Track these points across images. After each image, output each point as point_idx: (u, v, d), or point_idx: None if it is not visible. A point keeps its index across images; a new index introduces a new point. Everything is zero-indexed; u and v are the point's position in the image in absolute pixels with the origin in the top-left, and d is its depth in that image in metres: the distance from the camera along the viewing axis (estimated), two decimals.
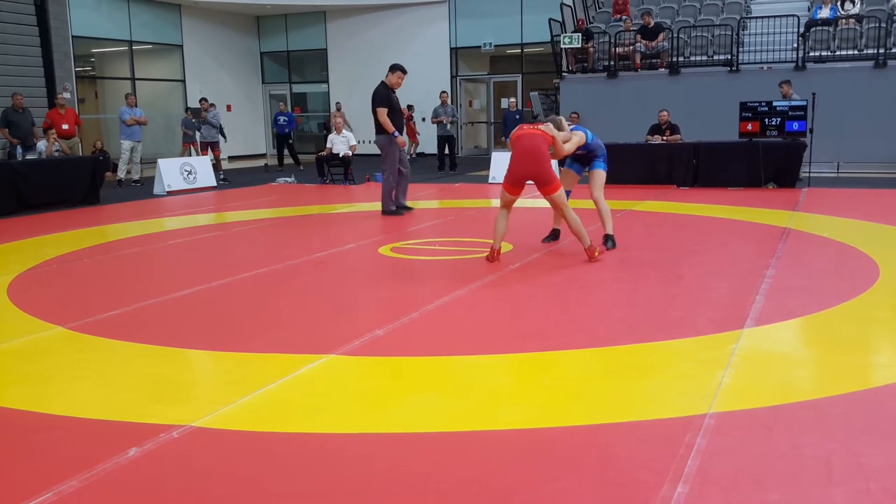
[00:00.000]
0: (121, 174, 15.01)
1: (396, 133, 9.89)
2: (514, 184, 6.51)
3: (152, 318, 5.23)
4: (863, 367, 4.04)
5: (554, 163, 6.84)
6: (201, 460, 3.04)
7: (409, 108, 18.65)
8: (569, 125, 7.07)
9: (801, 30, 15.41)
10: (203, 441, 3.21)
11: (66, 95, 14.67)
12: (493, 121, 22.36)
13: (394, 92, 9.94)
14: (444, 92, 18.20)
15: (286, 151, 19.13)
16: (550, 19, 17.28)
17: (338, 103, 20.52)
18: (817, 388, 3.72)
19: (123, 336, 4.73)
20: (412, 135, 20.03)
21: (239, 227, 9.45)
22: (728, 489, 2.73)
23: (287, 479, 2.87)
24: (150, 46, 21.30)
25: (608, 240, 7.18)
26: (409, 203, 10.45)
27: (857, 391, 3.62)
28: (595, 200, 7.19)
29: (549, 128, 6.60)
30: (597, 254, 6.59)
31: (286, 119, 18.81)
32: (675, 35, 16.29)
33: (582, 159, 7.41)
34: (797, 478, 2.80)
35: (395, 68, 9.96)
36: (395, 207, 10.15)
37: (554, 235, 7.60)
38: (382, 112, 9.77)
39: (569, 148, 6.85)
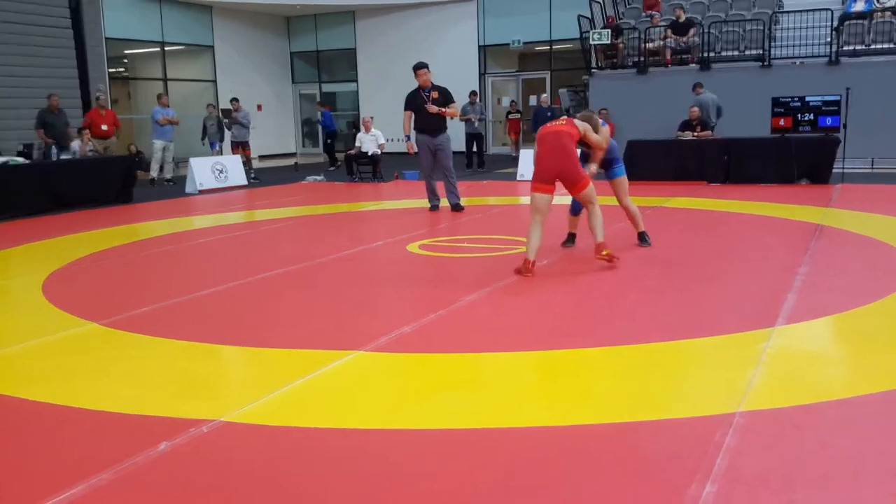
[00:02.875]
0: (153, 173, 15.18)
1: (407, 137, 10.05)
2: (543, 181, 6.16)
3: (182, 315, 5.30)
4: (894, 367, 3.97)
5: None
6: (230, 455, 3.07)
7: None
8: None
9: (835, 23, 15.17)
10: (232, 436, 3.25)
11: (103, 97, 14.89)
12: (525, 118, 22.28)
13: (425, 90, 9.82)
14: (473, 92, 18.20)
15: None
16: (580, 16, 17.20)
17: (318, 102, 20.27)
18: (848, 387, 3.67)
19: (155, 332, 4.80)
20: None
21: (268, 226, 9.53)
22: (756, 488, 2.70)
23: (314, 474, 2.90)
24: (181, 47, 21.53)
25: (643, 237, 7.19)
26: (460, 202, 10.19)
27: (889, 391, 3.56)
28: (626, 208, 7.15)
29: (578, 122, 6.38)
30: (605, 252, 6.21)
31: (327, 118, 18.99)
32: (706, 30, 16.12)
33: (601, 162, 7.05)
34: (826, 478, 2.76)
35: (414, 69, 9.98)
36: (436, 203, 10.21)
37: (570, 239, 7.31)
38: (404, 115, 9.96)
39: (603, 145, 6.65)
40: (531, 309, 5.27)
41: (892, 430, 3.13)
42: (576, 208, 7.09)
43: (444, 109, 9.75)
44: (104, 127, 13.90)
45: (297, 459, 3.02)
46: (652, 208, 9.61)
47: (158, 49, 20.69)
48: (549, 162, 6.12)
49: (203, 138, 16.58)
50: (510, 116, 19.89)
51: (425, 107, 9.68)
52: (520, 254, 6.84)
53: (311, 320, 5.11)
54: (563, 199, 6.68)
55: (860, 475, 2.77)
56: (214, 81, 22.03)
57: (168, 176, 15.37)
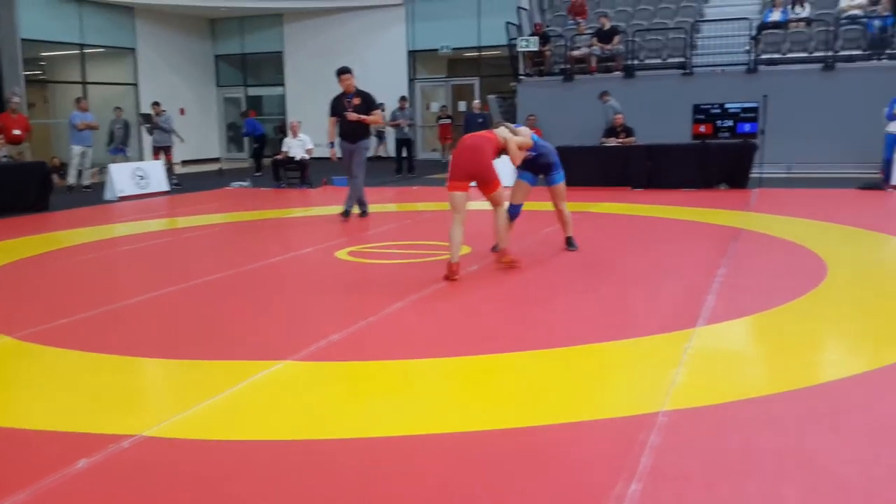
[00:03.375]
0: (71, 180, 14.70)
1: (331, 143, 9.93)
2: (457, 178, 6.29)
3: (103, 327, 5.13)
4: (812, 364, 4.13)
5: (507, 164, 6.81)
6: (153, 471, 2.99)
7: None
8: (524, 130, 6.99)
9: (754, 33, 15.70)
10: (155, 451, 3.16)
11: (16, 100, 14.32)
12: (456, 124, 22.37)
13: (348, 96, 9.62)
14: (403, 97, 18.18)
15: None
16: (507, 23, 17.36)
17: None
18: (768, 384, 3.79)
19: (72, 345, 4.64)
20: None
21: (192, 233, 9.33)
22: (681, 486, 2.76)
23: (241, 488, 2.84)
24: (102, 50, 20.93)
25: (570, 242, 7.27)
26: (353, 210, 10.00)
27: (806, 387, 3.69)
28: (560, 212, 7.24)
29: (501, 131, 6.53)
30: (507, 259, 6.43)
31: (249, 126, 18.70)
32: (630, 38, 16.48)
33: (534, 167, 7.11)
34: (749, 474, 2.84)
35: (337, 73, 9.78)
36: (363, 210, 10.08)
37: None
38: (329, 121, 9.80)
39: (522, 153, 6.68)
40: (460, 314, 5.29)
41: (810, 426, 3.24)
42: (511, 216, 7.00)
43: (364, 117, 9.52)
44: (16, 131, 13.39)
45: (223, 474, 2.95)
46: (578, 213, 9.75)
47: (77, 51, 20.05)
48: (464, 160, 6.28)
49: (109, 144, 16.10)
50: (441, 122, 19.95)
51: (345, 114, 9.51)
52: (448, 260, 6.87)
53: (238, 330, 5.02)
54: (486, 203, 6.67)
55: (781, 470, 2.86)
56: (136, 85, 21.47)
57: (87, 182, 14.91)
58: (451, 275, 6.11)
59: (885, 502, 2.61)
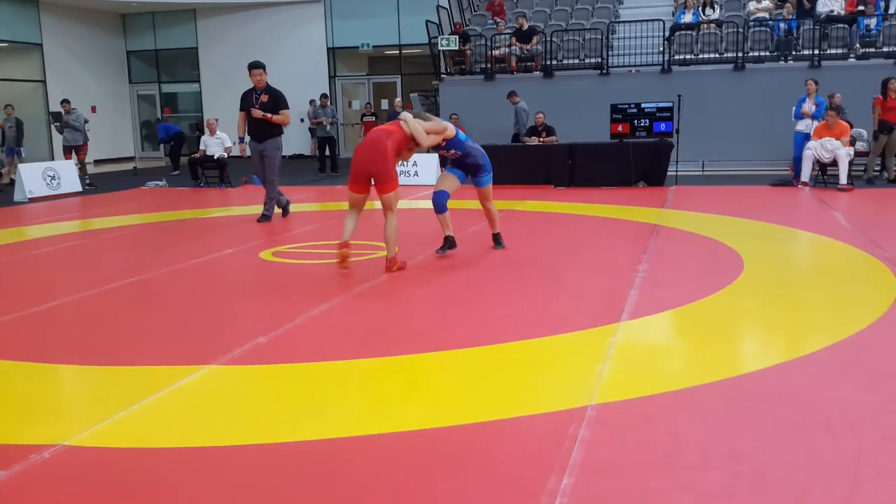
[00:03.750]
0: None
1: (241, 139, 9.63)
2: (355, 181, 6.20)
3: (15, 333, 4.92)
4: (732, 356, 4.26)
5: (433, 164, 6.82)
6: (76, 481, 2.88)
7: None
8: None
9: (667, 34, 16.13)
10: (77, 460, 3.04)
11: None
12: (382, 121, 22.30)
13: (257, 92, 9.31)
14: (324, 95, 18.01)
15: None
16: (427, 21, 17.39)
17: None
18: (691, 376, 3.89)
19: None
20: None
21: (108, 234, 9.04)
22: (611, 478, 2.81)
23: (167, 496, 2.76)
24: (5, 45, 20.07)
25: (497, 240, 7.31)
26: (271, 214, 9.76)
27: (727, 378, 3.81)
28: (487, 210, 7.25)
29: (404, 116, 6.38)
30: (396, 268, 6.31)
31: (161, 130, 18.21)
32: (549, 39, 16.72)
33: (464, 167, 7.00)
34: (675, 464, 2.92)
35: (248, 67, 9.42)
36: (283, 210, 9.97)
37: (449, 244, 6.99)
38: (239, 116, 9.48)
39: (431, 137, 6.47)
40: (388, 314, 5.26)
41: (732, 415, 3.35)
42: (439, 206, 6.87)
43: (270, 115, 9.20)
44: None
45: (148, 481, 2.86)
46: (503, 211, 9.84)
47: None
48: (360, 157, 6.14)
49: (1, 145, 15.46)
50: (365, 119, 19.81)
51: (251, 110, 9.22)
52: (377, 259, 6.85)
53: (159, 334, 4.88)
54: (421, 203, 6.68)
55: (707, 459, 2.94)
56: (44, 81, 20.66)
57: None
58: (341, 256, 6.26)
59: (805, 490, 2.71)
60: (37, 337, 4.86)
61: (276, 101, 9.31)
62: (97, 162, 20.41)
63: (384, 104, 19.85)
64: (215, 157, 14.23)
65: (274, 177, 9.53)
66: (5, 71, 20.27)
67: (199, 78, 23.12)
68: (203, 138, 14.62)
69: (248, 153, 9.64)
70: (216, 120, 15.06)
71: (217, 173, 14.28)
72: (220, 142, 14.32)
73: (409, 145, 6.41)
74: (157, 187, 14.55)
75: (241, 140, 9.68)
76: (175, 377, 3.94)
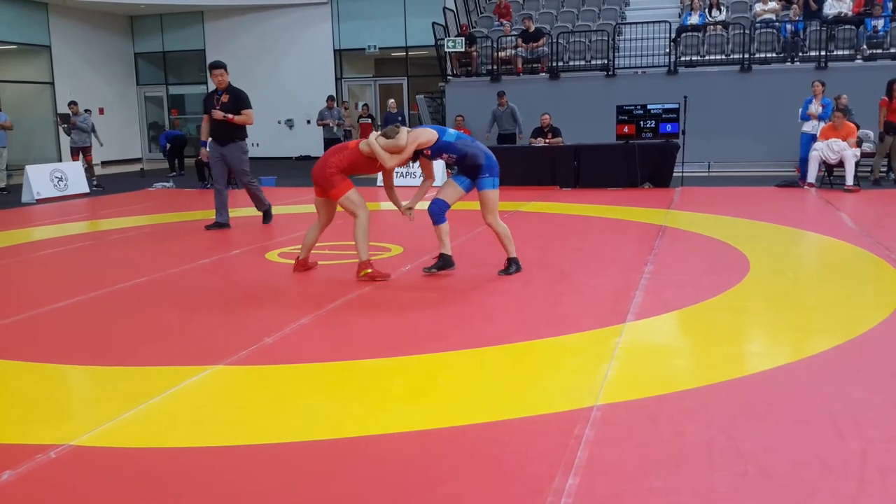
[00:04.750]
0: None
1: (203, 143, 9.34)
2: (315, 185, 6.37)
3: (24, 334, 4.94)
4: (738, 356, 4.26)
5: (441, 170, 6.67)
6: (83, 481, 2.89)
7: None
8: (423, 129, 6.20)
9: (673, 35, 16.11)
10: (84, 460, 3.06)
11: None
12: (378, 123, 22.32)
13: (218, 93, 8.95)
14: (330, 97, 18.05)
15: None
16: (434, 23, 17.40)
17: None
18: (696, 377, 3.89)
19: None
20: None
21: (115, 236, 9.07)
22: (616, 478, 2.81)
23: (173, 497, 2.77)
24: (14, 47, 20.15)
25: (511, 263, 6.29)
26: (270, 208, 9.64)
27: (733, 379, 3.80)
28: (490, 226, 6.27)
29: (365, 143, 6.12)
30: (363, 273, 6.13)
31: (162, 139, 18.34)
32: (555, 40, 16.72)
33: (463, 168, 6.20)
34: (680, 464, 2.91)
35: (209, 67, 9.06)
36: (221, 220, 9.28)
37: (443, 262, 6.30)
38: (203, 119, 9.14)
39: (393, 157, 6.01)
40: (395, 314, 5.27)
41: (738, 416, 3.35)
42: (435, 215, 6.19)
43: (230, 116, 8.76)
44: None
45: (153, 481, 2.88)
46: (509, 212, 9.86)
47: None
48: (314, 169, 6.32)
49: None
50: (361, 121, 19.73)
51: (212, 111, 8.83)
52: (381, 259, 6.86)
53: (166, 335, 4.90)
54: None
55: (713, 459, 2.94)
56: (52, 83, 20.75)
57: (2, 185, 14.34)
58: (295, 267, 6.60)
59: (811, 490, 2.71)
60: (44, 337, 4.88)
61: (238, 101, 8.88)
62: (104, 163, 20.48)
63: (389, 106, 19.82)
64: None
65: (250, 178, 9.26)
66: (14, 73, 20.38)
67: (206, 80, 23.16)
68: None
69: (210, 157, 9.26)
70: None
71: None
72: None
73: (376, 163, 6.17)
74: (163, 188, 14.59)
75: (204, 144, 9.35)
76: (181, 377, 3.96)
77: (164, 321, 5.22)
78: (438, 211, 6.18)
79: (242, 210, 11.24)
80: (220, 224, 9.25)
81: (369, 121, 19.74)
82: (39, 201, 12.85)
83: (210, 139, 9.14)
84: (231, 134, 8.95)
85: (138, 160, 22.80)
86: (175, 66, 23.95)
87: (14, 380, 4.07)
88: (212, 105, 8.91)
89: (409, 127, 6.45)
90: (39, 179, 13.19)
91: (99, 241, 8.78)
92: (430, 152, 6.13)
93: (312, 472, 2.92)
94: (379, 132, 6.20)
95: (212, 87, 9.46)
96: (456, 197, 6.27)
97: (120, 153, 22.40)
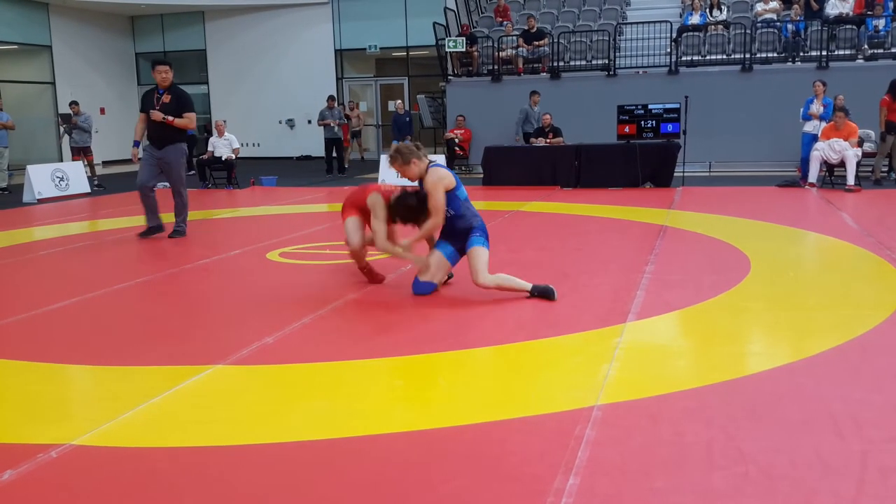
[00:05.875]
0: None
1: (135, 142, 8.74)
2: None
3: (24, 333, 4.95)
4: (738, 356, 4.25)
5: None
6: (84, 480, 2.89)
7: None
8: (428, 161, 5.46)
9: (674, 35, 16.11)
10: (85, 460, 3.06)
11: None
12: (380, 123, 22.34)
13: (159, 92, 8.40)
14: (331, 96, 18.05)
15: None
16: (435, 23, 17.41)
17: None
18: (697, 377, 3.89)
19: None
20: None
21: (116, 235, 9.07)
22: (617, 478, 2.81)
23: (173, 496, 2.77)
24: (15, 47, 20.17)
25: (534, 291, 5.41)
26: (184, 228, 8.81)
27: (733, 379, 3.80)
28: (484, 286, 5.40)
29: (373, 197, 5.55)
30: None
31: None
32: (556, 40, 16.72)
33: (454, 232, 5.47)
34: (681, 464, 2.91)
35: (152, 64, 8.53)
36: (154, 224, 8.71)
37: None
38: (139, 117, 8.55)
39: (431, 224, 5.37)
40: (394, 315, 5.27)
41: (738, 416, 3.35)
42: (420, 292, 5.61)
43: (170, 118, 8.24)
44: None
45: (154, 481, 2.88)
46: (509, 212, 9.86)
47: None
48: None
49: None
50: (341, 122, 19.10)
51: (151, 112, 8.26)
52: (380, 260, 6.85)
53: (166, 334, 4.90)
54: None
55: (714, 459, 2.94)
56: (53, 83, 20.77)
57: (3, 184, 14.36)
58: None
59: (811, 490, 2.71)
60: (44, 337, 4.88)
61: (180, 103, 8.36)
62: (105, 163, 20.50)
63: (391, 106, 19.80)
64: (223, 159, 14.26)
65: (183, 189, 8.66)
66: (15, 73, 20.40)
67: (207, 80, 23.20)
68: (211, 139, 14.67)
69: (140, 157, 8.77)
70: (224, 121, 15.11)
71: (225, 174, 14.32)
72: (227, 143, 14.37)
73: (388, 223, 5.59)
74: (164, 188, 14.57)
75: (136, 144, 8.77)
76: (182, 377, 3.96)
77: (164, 321, 5.22)
78: (423, 291, 5.58)
79: (244, 210, 11.25)
80: (154, 229, 8.71)
81: (346, 121, 19.41)
82: (41, 201, 12.87)
83: (145, 140, 8.60)
84: (170, 137, 8.39)
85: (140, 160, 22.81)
86: (176, 66, 23.78)
87: (15, 379, 4.07)
88: (151, 104, 8.34)
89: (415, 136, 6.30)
90: (40, 179, 13.21)
91: (100, 240, 8.78)
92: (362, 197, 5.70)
93: (313, 472, 2.92)
94: (397, 154, 5.41)
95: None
96: (444, 272, 5.67)
97: (121, 153, 22.39)
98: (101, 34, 22.32)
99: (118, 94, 23.00)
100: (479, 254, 5.36)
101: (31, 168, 13.29)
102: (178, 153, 8.52)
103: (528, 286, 5.40)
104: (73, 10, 21.11)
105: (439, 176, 5.33)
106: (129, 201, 12.65)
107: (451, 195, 5.38)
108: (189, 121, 8.43)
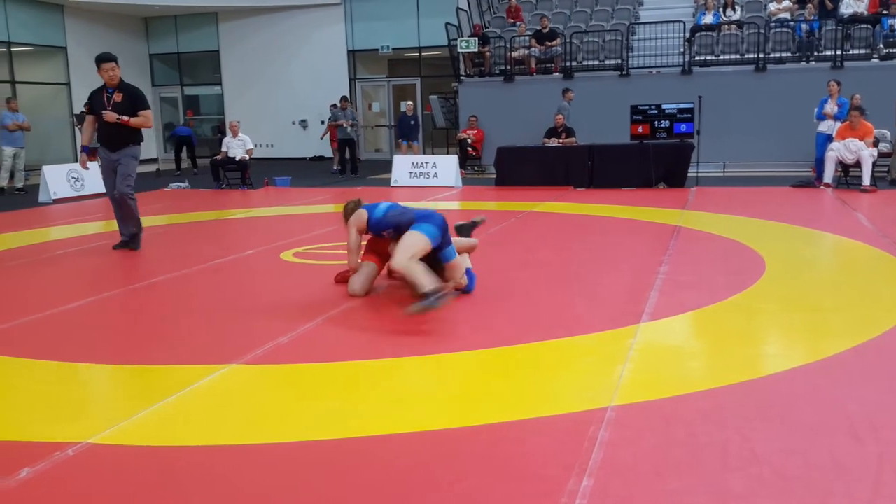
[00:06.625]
0: (3, 182, 14.26)
1: (83, 148, 8.19)
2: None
3: (41, 332, 4.98)
4: (753, 358, 4.23)
5: (452, 166, 6.51)
6: (99, 478, 2.91)
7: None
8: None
9: (687, 35, 16.05)
10: (101, 458, 3.08)
11: None
12: (392, 124, 22.37)
13: (108, 90, 7.76)
14: (344, 97, 18.08)
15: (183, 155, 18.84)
16: (447, 23, 17.42)
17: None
18: (711, 378, 3.88)
19: (10, 352, 4.49)
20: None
21: None
22: (631, 480, 2.81)
23: (188, 494, 2.79)
24: (31, 48, 20.31)
25: (427, 294, 4.85)
26: (137, 239, 7.98)
27: (748, 380, 3.79)
28: (393, 268, 5.24)
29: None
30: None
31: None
32: (568, 40, 16.69)
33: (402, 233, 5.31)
34: (695, 466, 2.91)
35: (96, 61, 7.84)
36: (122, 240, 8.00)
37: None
38: (86, 120, 8.00)
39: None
40: (409, 315, 5.27)
41: (753, 417, 3.33)
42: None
43: (125, 118, 7.58)
44: None
45: (169, 479, 2.90)
46: (523, 213, 9.85)
47: (5, 49, 19.44)
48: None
49: None
50: (330, 123, 18.82)
51: (103, 112, 7.60)
52: None
53: (181, 334, 4.93)
54: None
55: (728, 461, 2.93)
56: (68, 84, 20.91)
57: (19, 185, 14.47)
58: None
59: (826, 492, 2.70)
60: (60, 336, 4.92)
61: (134, 101, 7.73)
62: None
63: (402, 106, 19.84)
64: (237, 159, 14.32)
65: (129, 186, 7.73)
66: (30, 74, 20.54)
67: (220, 80, 23.29)
68: (225, 140, 14.73)
69: (88, 166, 8.33)
70: (238, 122, 15.16)
71: (239, 175, 14.38)
72: (241, 144, 14.43)
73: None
74: (179, 189, 14.66)
75: (84, 149, 8.19)
76: (197, 376, 3.98)
77: (179, 320, 5.25)
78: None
79: (258, 210, 11.29)
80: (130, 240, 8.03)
81: (357, 122, 19.30)
82: (56, 201, 12.96)
83: (95, 144, 8.05)
84: (126, 138, 7.70)
85: (154, 160, 22.93)
86: (190, 67, 24.07)
87: (32, 378, 4.10)
88: (102, 105, 7.68)
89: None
90: (56, 180, 13.31)
91: (114, 240, 8.82)
92: (371, 235, 5.70)
93: (327, 472, 2.93)
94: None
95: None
96: (368, 282, 5.74)
97: None
98: (115, 35, 22.44)
99: None
100: (409, 236, 5.19)
101: (46, 168, 13.39)
102: (133, 155, 7.79)
103: (425, 288, 4.90)
104: (88, 12, 21.23)
105: (353, 220, 5.68)
106: (144, 202, 12.70)
107: (373, 223, 5.57)
108: (145, 119, 7.73)
